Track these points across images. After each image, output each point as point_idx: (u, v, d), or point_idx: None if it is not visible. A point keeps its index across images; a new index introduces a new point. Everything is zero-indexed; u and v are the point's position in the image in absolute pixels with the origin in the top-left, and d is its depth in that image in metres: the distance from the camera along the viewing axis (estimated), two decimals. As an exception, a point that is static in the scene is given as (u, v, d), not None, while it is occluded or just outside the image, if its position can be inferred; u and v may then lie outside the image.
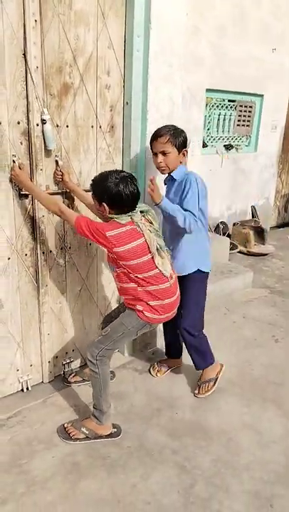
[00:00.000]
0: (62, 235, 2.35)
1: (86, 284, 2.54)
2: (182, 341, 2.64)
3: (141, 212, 1.96)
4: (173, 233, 2.29)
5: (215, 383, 2.47)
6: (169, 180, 2.30)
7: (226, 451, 2.11)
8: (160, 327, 2.79)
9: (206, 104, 4.73)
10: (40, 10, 1.95)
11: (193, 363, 2.51)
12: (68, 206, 2.29)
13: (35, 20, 1.94)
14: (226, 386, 2.58)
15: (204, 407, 2.40)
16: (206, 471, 1.98)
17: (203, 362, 2.50)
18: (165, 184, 2.37)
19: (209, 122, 4.86)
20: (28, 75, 1.98)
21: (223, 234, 4.88)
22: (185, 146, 2.23)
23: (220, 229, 4.91)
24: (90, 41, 2.18)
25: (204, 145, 4.88)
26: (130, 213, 1.90)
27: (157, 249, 1.94)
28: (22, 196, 2.13)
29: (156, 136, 2.19)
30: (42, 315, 2.36)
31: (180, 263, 2.30)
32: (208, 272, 2.39)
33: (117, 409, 2.34)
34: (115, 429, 2.17)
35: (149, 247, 1.91)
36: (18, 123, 2.04)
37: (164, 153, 2.19)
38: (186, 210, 2.14)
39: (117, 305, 2.47)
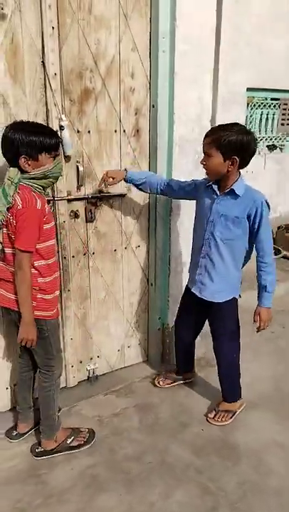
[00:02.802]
0: (86, 240, 2.32)
1: (111, 290, 2.49)
2: (192, 355, 2.53)
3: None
4: (222, 255, 2.06)
5: (232, 417, 2.28)
6: (228, 194, 1.99)
7: (255, 472, 1.96)
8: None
9: (247, 104, 4.56)
10: (58, 17, 1.94)
11: (222, 392, 2.34)
12: (90, 212, 2.26)
13: (53, 28, 1.93)
14: (259, 401, 2.42)
15: (233, 424, 2.25)
16: (230, 494, 1.85)
17: (233, 395, 2.33)
18: (215, 192, 2.04)
19: (251, 123, 4.68)
20: (47, 81, 1.98)
21: (267, 238, 4.67)
22: (238, 153, 1.87)
23: (263, 233, 4.70)
24: (112, 44, 2.15)
25: (245, 146, 4.71)
26: None
27: None
28: (43, 203, 2.13)
29: (205, 134, 1.95)
30: (64, 319, 2.35)
31: (215, 288, 2.12)
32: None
33: (142, 422, 2.27)
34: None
35: None
36: (39, 130, 2.04)
37: (208, 155, 1.93)
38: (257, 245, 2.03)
39: None
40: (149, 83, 2.33)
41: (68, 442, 2.06)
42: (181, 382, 2.55)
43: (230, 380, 2.31)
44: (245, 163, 1.97)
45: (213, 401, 2.41)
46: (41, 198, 1.77)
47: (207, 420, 2.27)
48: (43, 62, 1.96)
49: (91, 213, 2.28)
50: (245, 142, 1.88)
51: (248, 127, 4.97)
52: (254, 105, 4.61)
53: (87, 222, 2.30)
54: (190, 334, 2.41)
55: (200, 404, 2.40)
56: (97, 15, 2.06)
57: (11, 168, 1.73)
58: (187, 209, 2.45)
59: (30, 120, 1.87)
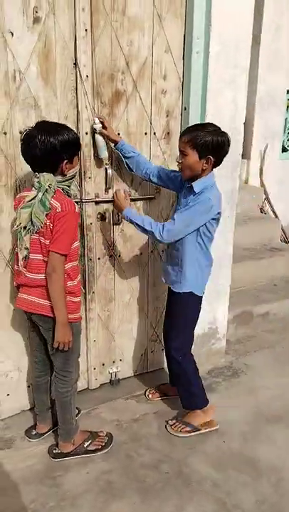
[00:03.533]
0: (112, 242, 2.31)
1: (136, 293, 2.47)
2: None
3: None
4: (175, 246, 2.04)
5: (191, 433, 2.17)
6: (188, 188, 2.00)
7: (275, 492, 1.87)
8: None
9: (287, 107, 4.43)
10: (91, 19, 1.94)
11: (180, 398, 2.25)
12: (118, 214, 2.25)
13: (86, 30, 1.93)
14: (287, 415, 2.32)
15: (257, 438, 2.17)
16: (248, 512, 1.78)
17: (188, 401, 2.21)
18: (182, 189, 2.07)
19: (290, 126, 4.54)
20: (78, 84, 1.98)
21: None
22: (213, 153, 1.88)
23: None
24: (145, 46, 2.12)
25: (284, 149, 4.58)
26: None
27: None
28: (71, 204, 2.14)
29: (181, 134, 1.97)
30: (88, 321, 2.35)
31: (173, 278, 2.09)
32: (201, 296, 2.13)
33: (161, 429, 2.23)
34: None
35: None
36: (69, 132, 2.04)
37: (183, 154, 1.92)
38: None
39: None
40: (182, 85, 2.29)
41: (86, 446, 2.05)
42: (171, 397, 2.42)
43: (181, 386, 2.21)
44: (219, 163, 1.96)
45: (238, 412, 2.34)
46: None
47: (165, 427, 2.22)
48: (75, 64, 1.97)
49: (118, 216, 2.27)
50: (221, 142, 1.89)
51: (287, 130, 4.84)
52: (294, 108, 4.47)
53: (113, 224, 2.29)
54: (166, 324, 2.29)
55: (223, 416, 2.32)
56: (130, 16, 2.05)
57: (47, 174, 1.69)
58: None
59: (60, 122, 1.87)
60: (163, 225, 1.93)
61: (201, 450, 2.10)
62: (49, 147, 1.65)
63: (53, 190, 1.69)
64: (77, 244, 1.85)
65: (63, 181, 1.75)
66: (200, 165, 1.91)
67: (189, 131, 1.91)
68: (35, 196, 1.69)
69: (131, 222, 2.00)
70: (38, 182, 1.69)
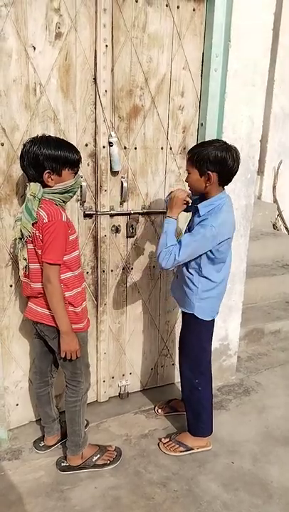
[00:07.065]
0: (125, 255, 2.32)
1: (147, 306, 2.47)
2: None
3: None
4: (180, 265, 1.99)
5: (184, 452, 2.13)
6: (195, 208, 1.93)
7: (286, 515, 1.83)
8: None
9: (302, 124, 4.44)
10: (112, 35, 1.97)
11: (187, 422, 2.19)
12: (132, 227, 2.26)
13: (106, 46, 1.97)
14: (298, 437, 2.28)
15: (268, 459, 2.13)
16: (258, 536, 1.74)
17: (196, 427, 2.14)
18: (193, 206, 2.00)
19: (305, 143, 4.54)
20: (97, 98, 2.01)
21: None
22: (213, 169, 1.80)
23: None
24: (164, 63, 2.15)
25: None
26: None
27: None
28: (86, 216, 2.15)
29: (187, 152, 1.93)
30: (99, 333, 2.35)
31: (178, 295, 2.06)
32: (207, 320, 2.02)
33: (170, 446, 2.20)
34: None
35: None
36: (86, 145, 2.07)
37: (187, 172, 1.90)
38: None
39: None
40: (199, 101, 2.31)
41: (94, 460, 2.03)
42: (180, 413, 2.35)
43: (191, 409, 2.15)
44: (224, 180, 1.87)
45: (249, 431, 2.30)
46: (64, 210, 1.79)
47: (158, 445, 2.18)
48: (94, 79, 2.00)
49: (132, 229, 2.27)
50: (221, 157, 1.80)
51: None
52: (309, 125, 4.48)
53: (127, 237, 2.30)
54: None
55: (232, 434, 2.29)
56: (150, 33, 2.08)
57: (33, 184, 1.71)
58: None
59: (56, 136, 1.86)
60: (179, 250, 1.82)
61: (210, 469, 2.06)
62: (32, 156, 1.67)
63: (38, 199, 1.69)
64: (76, 253, 1.84)
65: (52, 193, 1.74)
66: (202, 182, 1.85)
67: (192, 149, 1.88)
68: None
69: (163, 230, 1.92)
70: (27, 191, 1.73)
